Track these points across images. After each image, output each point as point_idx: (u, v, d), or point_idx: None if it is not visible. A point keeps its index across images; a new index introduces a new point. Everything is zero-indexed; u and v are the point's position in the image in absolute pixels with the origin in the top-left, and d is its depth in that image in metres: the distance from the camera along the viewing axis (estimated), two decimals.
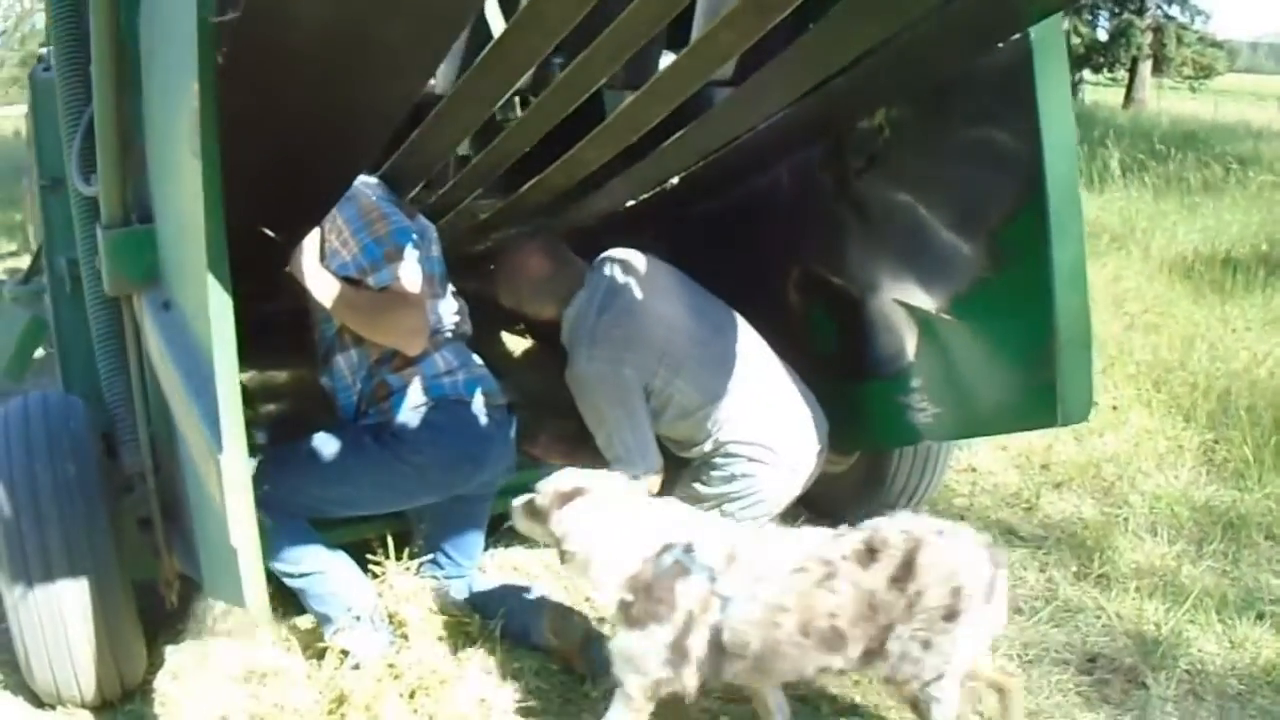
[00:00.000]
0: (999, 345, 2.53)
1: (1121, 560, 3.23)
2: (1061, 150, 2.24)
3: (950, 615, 2.02)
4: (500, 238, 3.13)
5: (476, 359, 2.81)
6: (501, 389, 2.79)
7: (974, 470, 4.00)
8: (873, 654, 2.06)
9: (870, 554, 2.08)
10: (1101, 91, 27.06)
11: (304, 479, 2.56)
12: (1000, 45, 2.26)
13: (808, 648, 2.06)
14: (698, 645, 2.09)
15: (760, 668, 2.12)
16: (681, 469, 2.98)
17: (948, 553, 2.07)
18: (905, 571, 2.04)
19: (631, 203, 3.26)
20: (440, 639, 2.61)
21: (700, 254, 3.68)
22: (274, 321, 2.85)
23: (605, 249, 3.08)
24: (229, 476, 1.55)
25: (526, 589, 2.87)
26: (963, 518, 3.61)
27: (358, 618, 2.57)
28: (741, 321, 3.05)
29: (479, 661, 2.54)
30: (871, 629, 2.05)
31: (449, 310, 2.76)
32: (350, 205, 2.50)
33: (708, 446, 2.89)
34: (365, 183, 2.59)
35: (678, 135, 2.28)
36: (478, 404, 2.66)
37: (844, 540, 2.14)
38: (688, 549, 2.14)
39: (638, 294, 2.91)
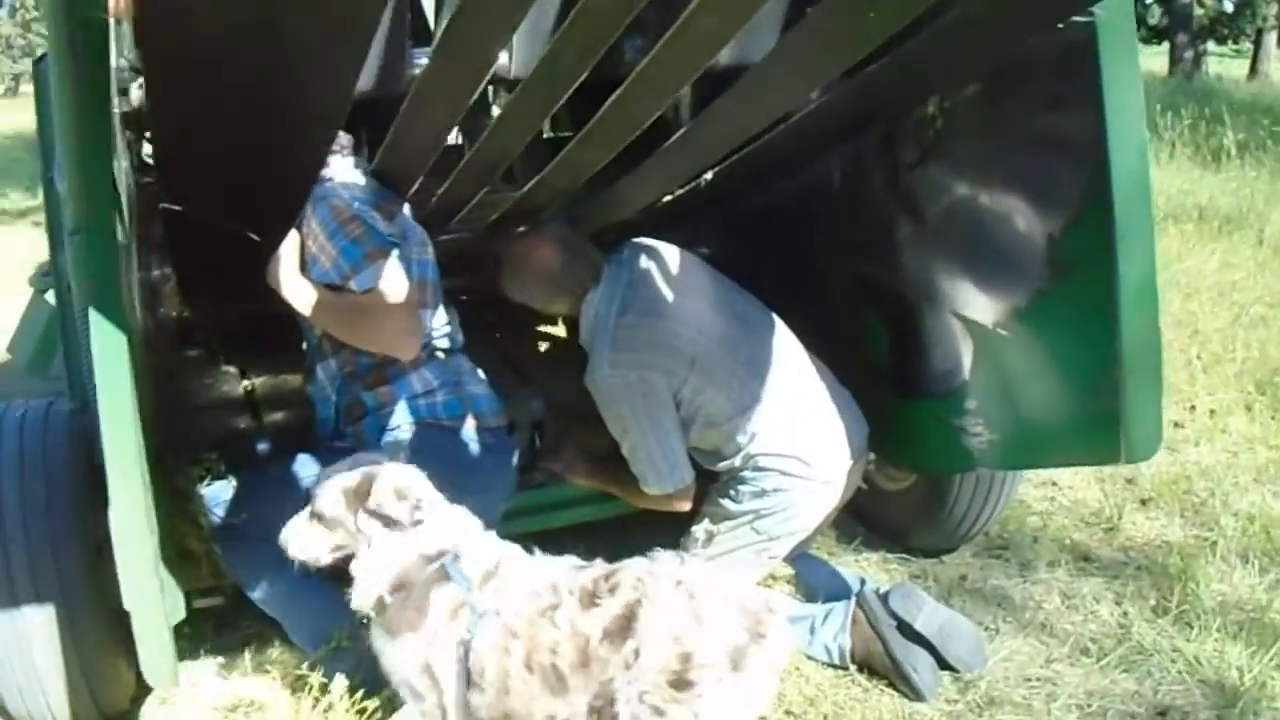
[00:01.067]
0: (1058, 369, 2.24)
1: (1206, 593, 2.88)
2: (1129, 147, 1.94)
3: (679, 684, 1.77)
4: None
5: (476, 375, 2.61)
6: (502, 409, 2.59)
7: (1054, 484, 3.66)
8: (600, 712, 1.84)
9: (592, 597, 1.88)
10: (1226, 64, 25.83)
11: (276, 505, 2.38)
12: (1060, 26, 1.95)
13: (533, 685, 1.87)
14: (444, 663, 1.94)
15: (500, 706, 1.92)
16: (711, 483, 2.75)
17: (675, 613, 1.82)
18: (622, 626, 1.83)
19: (668, 198, 3.00)
20: None
21: (746, 253, 3.44)
22: (287, 323, 2.69)
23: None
24: (119, 532, 1.37)
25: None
26: (1036, 539, 3.30)
27: (334, 650, 2.40)
28: (774, 320, 2.79)
29: None
30: (590, 681, 1.84)
31: (439, 323, 2.56)
32: (323, 207, 2.31)
33: (737, 460, 2.65)
34: (345, 184, 2.40)
35: (684, 130, 2.03)
36: (465, 428, 2.45)
37: (582, 574, 1.96)
38: (455, 558, 2.00)
39: (664, 291, 2.65)
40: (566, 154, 2.04)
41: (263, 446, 2.96)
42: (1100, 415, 2.08)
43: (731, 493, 2.67)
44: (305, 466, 2.43)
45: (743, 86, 1.77)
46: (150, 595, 1.49)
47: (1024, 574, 3.10)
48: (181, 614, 2.29)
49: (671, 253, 2.76)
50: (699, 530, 2.74)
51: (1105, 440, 2.07)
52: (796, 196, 3.18)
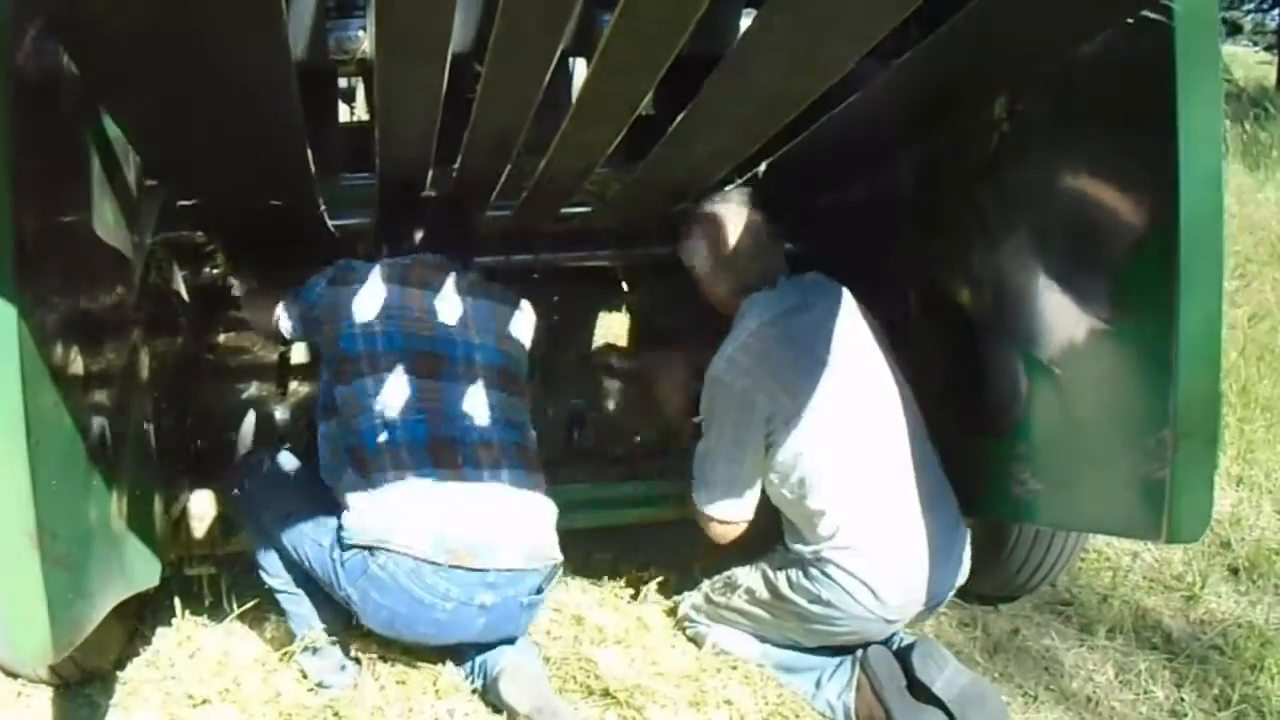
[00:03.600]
0: (1107, 422, 1.95)
1: (1277, 691, 2.54)
2: (1203, 171, 1.65)
3: None
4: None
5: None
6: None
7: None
8: None
9: None
10: None
11: (295, 494, 2.34)
12: (1130, 20, 1.68)
13: None
14: None
15: None
16: (788, 554, 2.49)
17: None
18: None
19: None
20: (400, 683, 2.29)
21: (820, 253, 3.20)
22: None
23: None
24: None
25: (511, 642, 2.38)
26: (1105, 598, 2.98)
27: (317, 649, 2.32)
28: (915, 422, 2.49)
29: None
30: None
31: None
32: None
33: (808, 552, 2.39)
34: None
35: (676, 122, 1.83)
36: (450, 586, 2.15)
37: None
38: None
39: (818, 328, 2.46)
40: (564, 132, 1.86)
41: (281, 416, 2.89)
42: (1145, 483, 1.79)
43: (793, 576, 2.41)
44: (306, 504, 2.31)
45: (721, 74, 1.56)
46: (20, 567, 1.42)
47: (1082, 637, 2.80)
48: (154, 581, 2.24)
49: (847, 302, 2.55)
50: (745, 580, 2.52)
51: (1148, 512, 1.79)
52: (871, 198, 2.94)
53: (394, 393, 2.22)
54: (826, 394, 2.37)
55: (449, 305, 2.37)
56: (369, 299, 2.30)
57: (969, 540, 2.49)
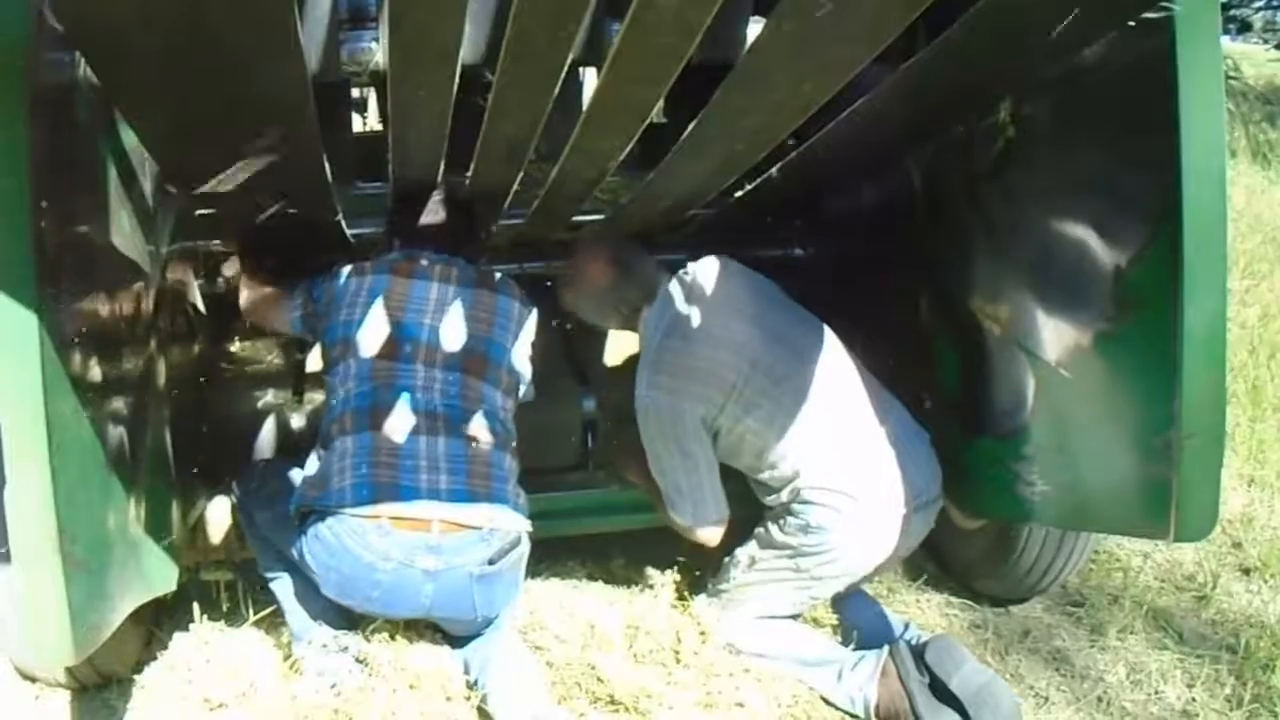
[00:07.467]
0: (1112, 423, 1.97)
1: None
2: (1205, 173, 1.67)
3: None
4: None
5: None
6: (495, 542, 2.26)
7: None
8: None
9: None
10: None
11: (267, 521, 2.43)
12: (1132, 24, 1.69)
13: None
14: None
15: None
16: (767, 510, 2.59)
17: None
18: None
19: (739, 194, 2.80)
20: (412, 687, 2.30)
21: (829, 258, 3.23)
22: None
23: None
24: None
25: (513, 652, 2.42)
26: (1115, 599, 2.98)
27: (323, 645, 2.34)
28: (834, 346, 2.59)
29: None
30: None
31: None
32: None
33: (784, 495, 2.49)
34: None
35: (690, 129, 1.85)
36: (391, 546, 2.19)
37: None
38: None
39: (709, 315, 2.52)
40: (575, 141, 1.89)
41: (297, 424, 2.91)
42: (1151, 483, 1.81)
43: (780, 523, 2.52)
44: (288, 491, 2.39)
45: (732, 81, 1.59)
46: (41, 571, 1.45)
47: (1093, 638, 2.80)
48: (172, 586, 2.26)
49: (725, 273, 2.62)
50: (743, 553, 2.60)
51: (1154, 512, 1.81)
52: (879, 203, 2.96)
53: (355, 372, 2.35)
54: (744, 364, 2.45)
55: (427, 293, 2.44)
56: (356, 292, 2.42)
57: (932, 442, 2.58)
